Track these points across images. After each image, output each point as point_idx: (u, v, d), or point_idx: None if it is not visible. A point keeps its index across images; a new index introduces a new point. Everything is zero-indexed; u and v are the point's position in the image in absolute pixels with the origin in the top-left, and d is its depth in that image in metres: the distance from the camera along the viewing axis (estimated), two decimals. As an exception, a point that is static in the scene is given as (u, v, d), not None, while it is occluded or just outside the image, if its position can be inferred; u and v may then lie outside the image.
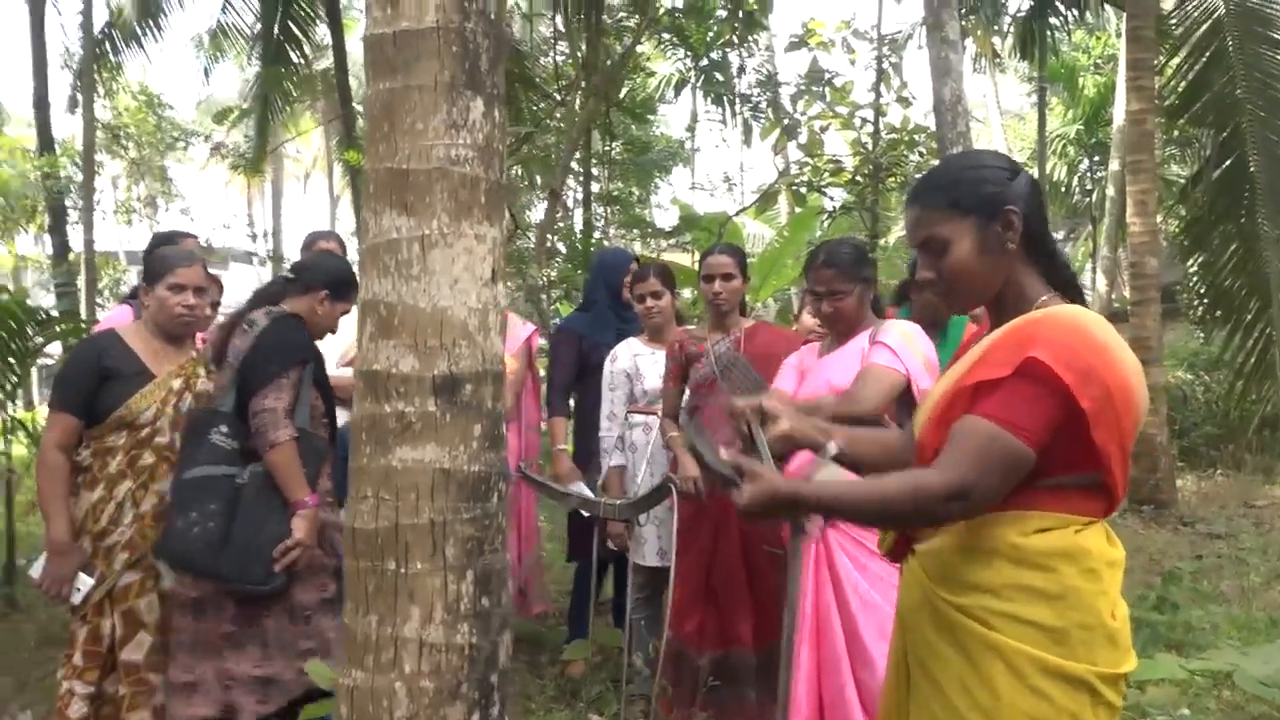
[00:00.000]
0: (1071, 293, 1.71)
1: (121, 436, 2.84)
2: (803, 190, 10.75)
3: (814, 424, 1.98)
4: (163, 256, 3.00)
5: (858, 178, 10.24)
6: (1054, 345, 1.54)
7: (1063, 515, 1.60)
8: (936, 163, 7.67)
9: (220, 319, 4.06)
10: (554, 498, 3.82)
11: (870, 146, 10.10)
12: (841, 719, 2.75)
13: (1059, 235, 20.30)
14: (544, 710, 3.76)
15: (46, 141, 10.87)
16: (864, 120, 10.31)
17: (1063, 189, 17.13)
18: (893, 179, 10.54)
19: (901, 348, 2.78)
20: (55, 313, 6.84)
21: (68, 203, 10.68)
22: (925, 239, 1.70)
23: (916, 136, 9.98)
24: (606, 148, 12.91)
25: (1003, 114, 23.15)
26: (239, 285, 25.41)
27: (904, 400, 2.78)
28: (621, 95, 12.00)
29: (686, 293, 9.30)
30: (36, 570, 2.79)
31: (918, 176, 10.20)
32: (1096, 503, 1.63)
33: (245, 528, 2.71)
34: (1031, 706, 1.55)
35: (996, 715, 1.57)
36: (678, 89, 15.39)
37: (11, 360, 5.03)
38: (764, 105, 12.40)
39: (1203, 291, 9.28)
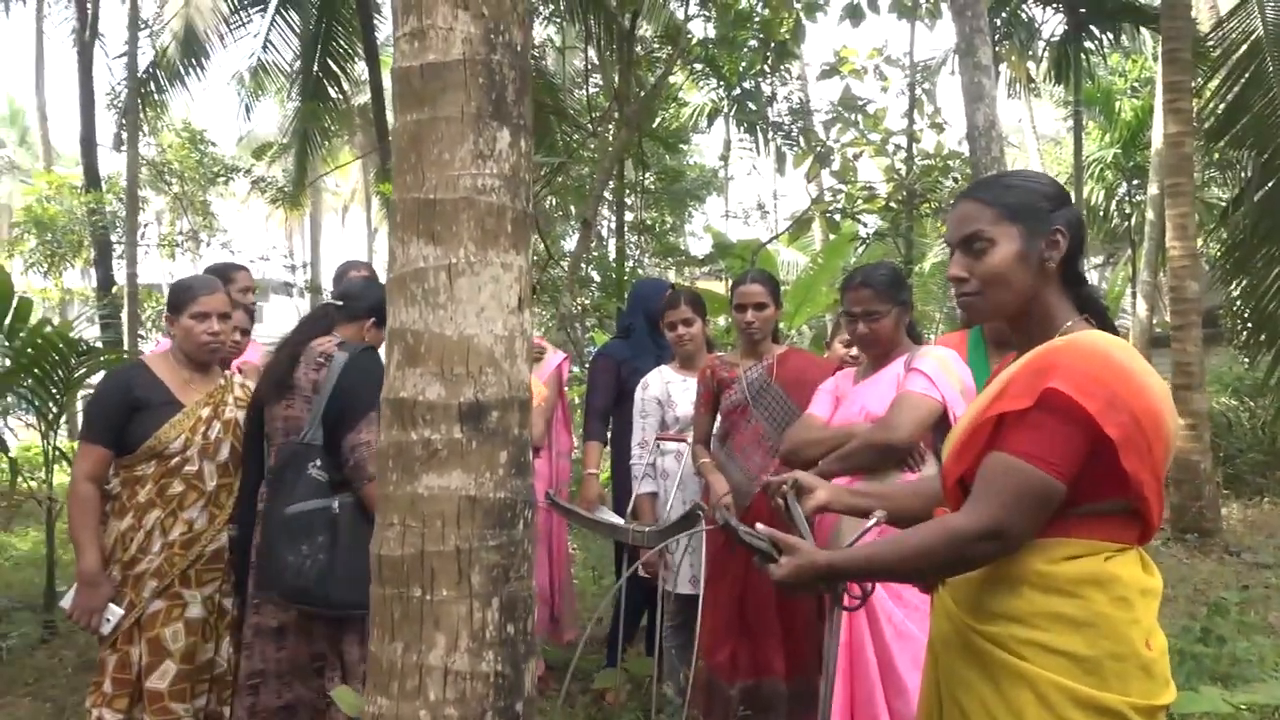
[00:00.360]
0: (1101, 321, 1.69)
1: (151, 466, 2.87)
2: (836, 217, 10.72)
3: (850, 490, 2.00)
4: (186, 286, 3.04)
5: (891, 204, 10.22)
6: (1074, 374, 1.52)
7: (1092, 542, 1.57)
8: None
9: (258, 346, 4.12)
10: (583, 524, 3.81)
11: (904, 173, 10.08)
12: (876, 751, 2.70)
13: (1098, 260, 20.05)
14: (575, 740, 3.74)
15: (93, 178, 11.14)
16: (897, 146, 10.30)
17: (1100, 213, 16.94)
18: (927, 205, 10.51)
19: (938, 374, 2.75)
20: (99, 344, 6.98)
21: (113, 237, 10.91)
22: (970, 235, 1.68)
23: (950, 162, 9.95)
24: (640, 177, 12.99)
25: (1039, 139, 23.00)
26: (278, 316, 25.78)
27: (940, 428, 2.75)
28: (654, 125, 12.07)
29: (720, 320, 9.30)
30: (67, 601, 2.82)
31: (951, 203, 10.16)
32: (1129, 530, 1.60)
33: (347, 557, 2.73)
34: None
35: None
36: (710, 119, 15.47)
37: (54, 391, 5.14)
38: (797, 133, 12.41)
39: (1246, 315, 9.11)
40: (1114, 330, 1.69)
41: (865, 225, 10.75)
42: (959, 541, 1.54)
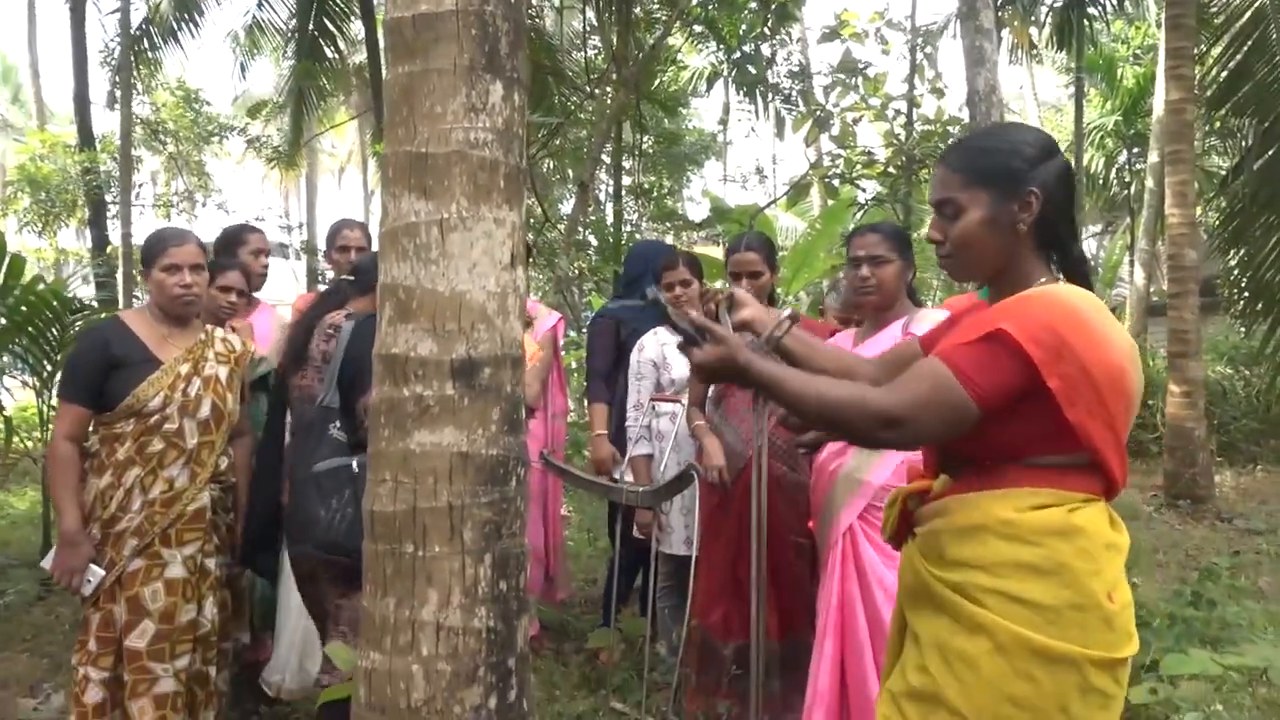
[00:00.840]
0: (1080, 280, 1.70)
1: (130, 424, 2.82)
2: (835, 182, 10.65)
3: (775, 314, 2.07)
4: (157, 238, 2.96)
5: (890, 169, 10.14)
6: (1027, 319, 1.54)
7: (1059, 492, 1.59)
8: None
9: (267, 309, 4.10)
10: (578, 485, 3.82)
11: (903, 138, 10.00)
12: (863, 709, 2.72)
13: (1095, 228, 20.00)
14: (568, 697, 3.77)
15: (87, 137, 11.03)
16: (897, 112, 10.20)
17: (1100, 181, 16.87)
18: (926, 171, 10.42)
19: None
20: (94, 304, 6.95)
21: (107, 197, 10.84)
22: (941, 200, 1.71)
23: (950, 128, 9.87)
24: (638, 140, 12.89)
25: (1040, 106, 22.86)
26: (274, 277, 25.69)
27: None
28: (653, 87, 11.97)
29: (719, 284, 9.27)
30: (49, 561, 2.81)
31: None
32: (1093, 483, 1.62)
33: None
34: (1014, 688, 1.53)
35: (975, 691, 1.56)
36: (709, 82, 15.33)
37: (49, 349, 5.12)
38: (796, 97, 12.31)
39: (1243, 284, 9.10)
40: (1091, 286, 1.70)
41: (864, 191, 10.69)
42: (862, 412, 1.56)
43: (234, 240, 4.02)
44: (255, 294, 4.06)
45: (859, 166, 10.30)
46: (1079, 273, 1.71)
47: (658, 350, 3.92)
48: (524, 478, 2.03)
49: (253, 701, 3.70)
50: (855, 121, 10.29)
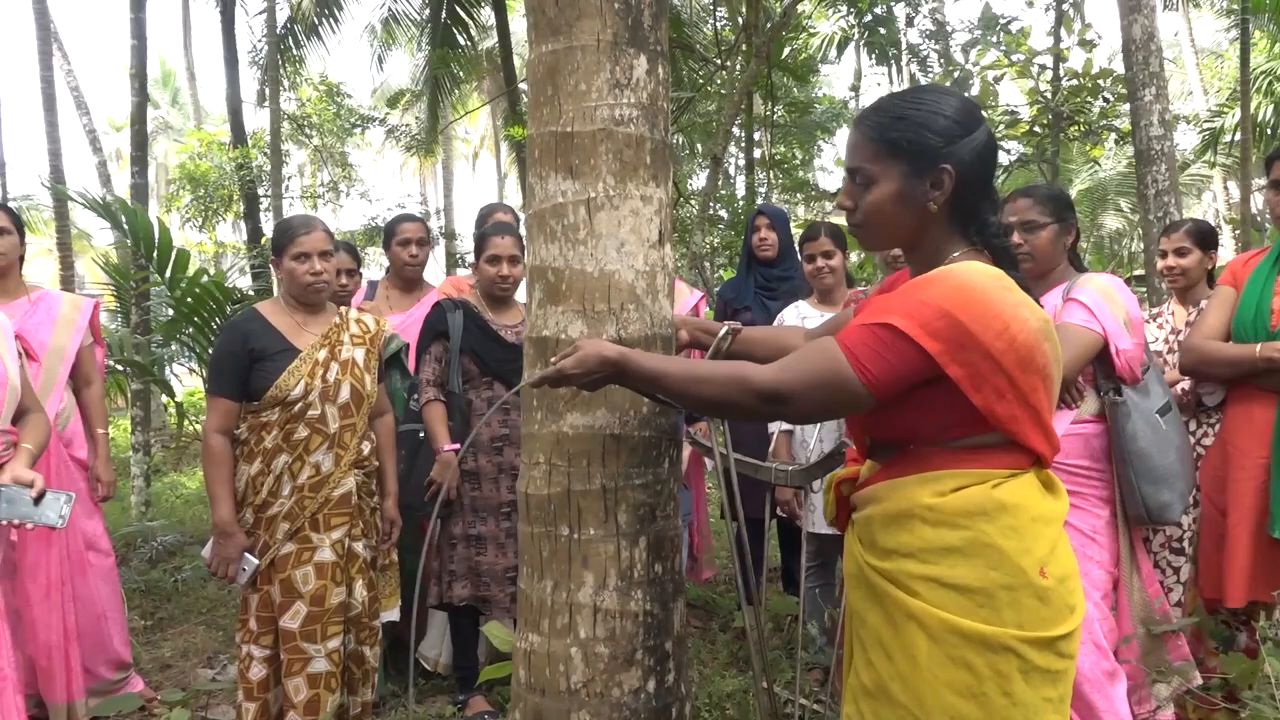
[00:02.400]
0: (999, 257, 1.62)
1: (275, 413, 2.89)
2: (976, 144, 10.23)
3: (706, 324, 2.11)
4: (285, 227, 3.01)
5: (1035, 128, 9.67)
6: (923, 308, 1.49)
7: (980, 471, 1.53)
8: (1126, 107, 7.14)
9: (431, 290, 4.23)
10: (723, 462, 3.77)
11: (1050, 95, 9.51)
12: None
13: (1261, 181, 18.64)
14: (717, 676, 3.74)
15: (239, 135, 11.57)
16: (1042, 67, 9.71)
17: (1270, 131, 15.70)
18: (1075, 128, 9.90)
19: (1098, 304, 2.56)
20: (251, 294, 7.29)
21: (259, 191, 11.35)
22: (852, 168, 1.65)
23: (1101, 81, 9.33)
24: (768, 111, 12.68)
25: (1198, 52, 21.39)
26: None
27: (1102, 361, 2.58)
28: (782, 56, 11.73)
29: (854, 256, 9.04)
30: (207, 551, 2.93)
31: (1102, 125, 9.47)
32: (1018, 457, 1.55)
33: (417, 470, 3.43)
34: (952, 676, 1.48)
35: (915, 683, 1.52)
36: (840, 48, 14.96)
37: (213, 338, 5.39)
38: (933, 57, 11.87)
39: None
40: (1012, 265, 1.62)
41: (1007, 152, 10.23)
42: (745, 388, 1.57)
43: (387, 233, 4.18)
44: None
45: (1001, 127, 9.87)
46: (997, 247, 1.63)
47: (798, 322, 3.83)
48: (677, 459, 2.00)
49: (398, 678, 3.82)
50: (997, 80, 9.84)
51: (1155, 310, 3.82)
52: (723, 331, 2.02)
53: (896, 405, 1.56)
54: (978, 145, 1.59)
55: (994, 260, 1.61)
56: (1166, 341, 3.61)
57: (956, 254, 1.61)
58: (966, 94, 9.07)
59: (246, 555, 2.85)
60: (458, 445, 3.34)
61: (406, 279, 4.15)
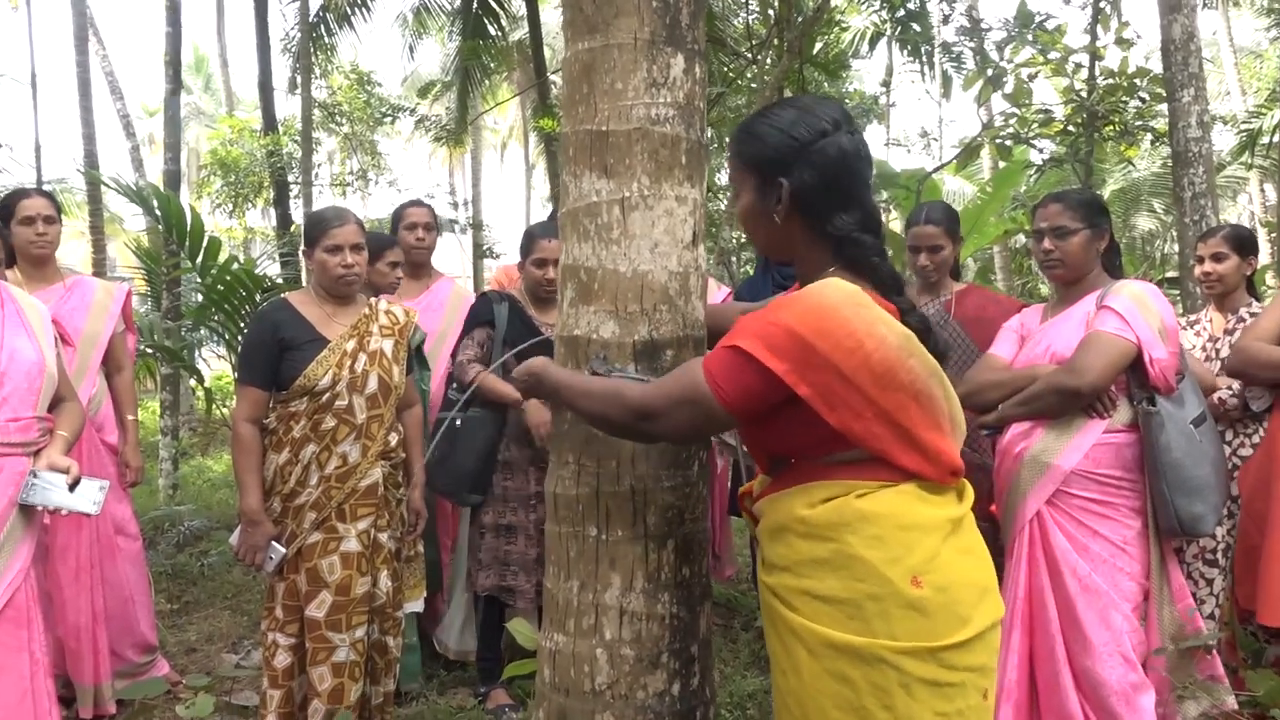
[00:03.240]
0: (861, 270, 1.60)
1: (303, 402, 2.89)
2: (1008, 143, 10.12)
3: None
4: (318, 219, 3.01)
5: (1070, 127, 9.56)
6: (772, 329, 1.50)
7: (847, 482, 1.53)
8: (1162, 107, 7.03)
9: (446, 279, 4.23)
10: (748, 461, 3.76)
11: (1085, 93, 9.39)
12: (1055, 707, 2.58)
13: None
14: (739, 675, 3.74)
15: (270, 121, 11.62)
16: (1078, 65, 9.59)
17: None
18: (1110, 127, 9.78)
19: (1131, 312, 2.53)
20: (280, 280, 7.34)
21: (289, 178, 11.40)
22: (730, 180, 1.69)
23: (1137, 80, 9.20)
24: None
25: (1236, 52, 21.06)
26: (442, 252, 26.57)
27: (1136, 370, 2.54)
28: (815, 52, 11.65)
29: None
30: (234, 539, 2.95)
31: (1137, 125, 9.34)
32: (890, 471, 1.54)
33: (456, 458, 3.47)
34: (833, 690, 1.48)
35: (804, 699, 1.52)
36: (872, 43, 14.84)
37: (242, 324, 5.43)
38: (966, 54, 11.75)
39: None
40: (888, 279, 1.61)
41: (1040, 151, 10.12)
42: (621, 405, 1.65)
43: (395, 219, 4.17)
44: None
45: (1035, 125, 9.76)
46: (859, 260, 1.61)
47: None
48: (706, 462, 1.99)
49: (433, 664, 3.85)
50: (1031, 78, 9.73)
51: (1193, 317, 3.76)
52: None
53: (767, 422, 1.58)
54: (818, 158, 1.59)
55: (871, 280, 1.60)
56: (1204, 349, 3.56)
57: (830, 270, 1.61)
58: (1000, 92, 8.94)
59: (273, 543, 2.87)
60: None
61: (413, 263, 4.13)
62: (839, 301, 1.51)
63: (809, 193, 1.60)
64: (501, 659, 3.56)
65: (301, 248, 3.05)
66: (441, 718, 3.41)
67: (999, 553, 2.94)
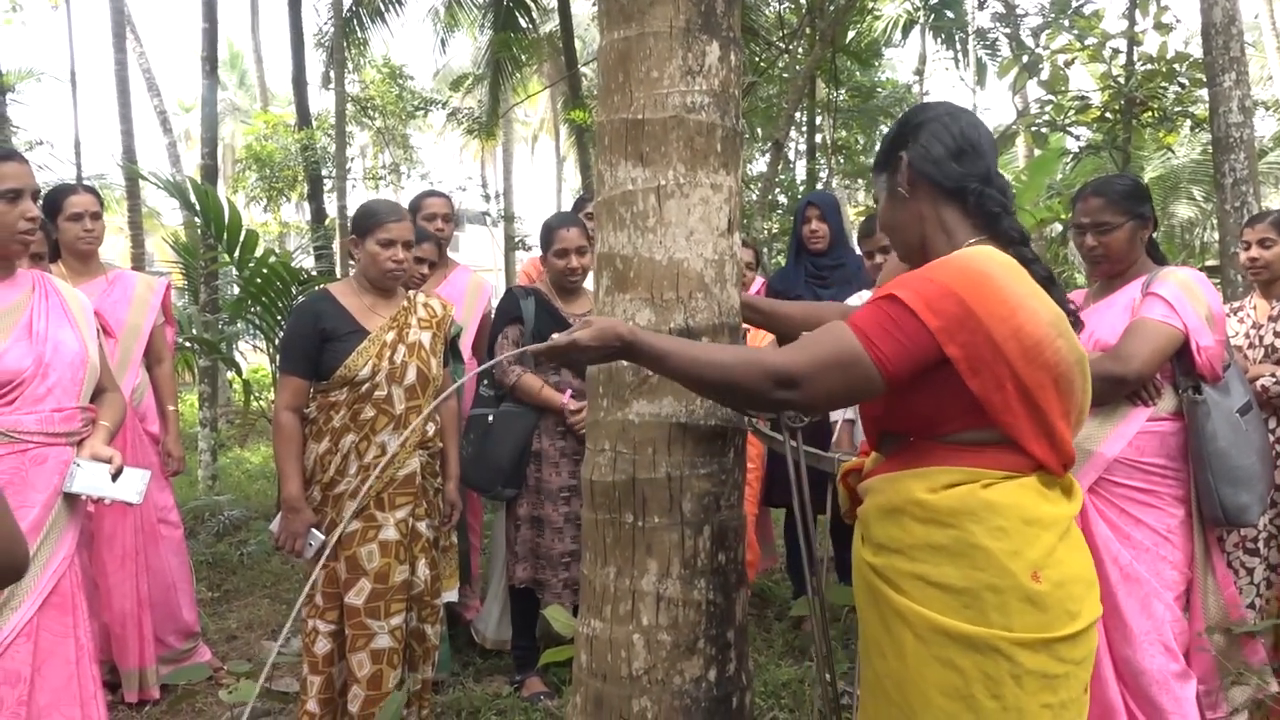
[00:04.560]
0: (1004, 243, 1.59)
1: (343, 392, 2.92)
2: (1044, 130, 9.99)
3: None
4: (372, 211, 3.02)
5: (1107, 114, 9.42)
6: (927, 285, 1.47)
7: (972, 469, 1.50)
8: (1203, 92, 6.91)
9: (464, 269, 4.24)
10: (781, 450, 3.76)
11: (1123, 79, 9.25)
12: (1097, 697, 2.55)
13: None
14: (773, 665, 3.74)
15: (304, 116, 11.73)
16: (1115, 51, 9.44)
17: (1355, 117, 15.12)
18: (1148, 114, 9.63)
19: (1179, 299, 2.49)
20: (315, 274, 7.42)
21: (323, 172, 11.50)
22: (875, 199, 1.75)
23: (1177, 66, 9.05)
24: (831, 96, 12.52)
25: (1279, 35, 20.64)
26: (474, 244, 26.69)
27: (1182, 358, 2.51)
28: (847, 40, 11.58)
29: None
30: (275, 526, 2.99)
31: (1177, 111, 9.20)
32: (1017, 459, 1.51)
33: (490, 452, 3.48)
34: (939, 677, 1.46)
35: (905, 682, 1.51)
36: (905, 30, 14.70)
37: (279, 317, 5.49)
38: (1001, 41, 11.62)
39: None
40: (1013, 231, 1.60)
41: (1077, 138, 9.98)
42: (756, 372, 1.53)
43: (412, 209, 4.17)
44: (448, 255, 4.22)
45: (1071, 112, 9.63)
46: (1001, 234, 1.60)
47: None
48: (741, 449, 1.99)
49: (469, 652, 3.88)
50: (1068, 64, 9.60)
51: (1236, 304, 3.70)
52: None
53: (902, 392, 1.54)
54: (932, 127, 1.64)
55: (993, 234, 1.61)
56: (1247, 336, 3.51)
57: (972, 241, 1.60)
58: (1036, 79, 8.86)
59: (313, 531, 2.91)
60: (570, 392, 3.47)
61: None
62: (992, 269, 1.50)
63: (927, 155, 1.63)
64: (536, 647, 3.59)
65: (350, 236, 3.07)
66: (477, 705, 3.44)
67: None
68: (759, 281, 4.52)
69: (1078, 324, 1.59)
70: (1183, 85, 8.97)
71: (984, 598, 1.46)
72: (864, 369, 1.48)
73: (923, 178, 1.63)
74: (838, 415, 3.77)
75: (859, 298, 3.85)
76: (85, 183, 6.60)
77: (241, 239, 5.40)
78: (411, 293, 3.18)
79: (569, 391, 3.45)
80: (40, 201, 3.58)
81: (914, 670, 1.50)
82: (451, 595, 3.57)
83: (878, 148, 1.73)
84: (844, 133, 14.41)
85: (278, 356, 3.28)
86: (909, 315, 1.47)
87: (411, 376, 2.99)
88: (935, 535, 1.51)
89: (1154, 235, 2.74)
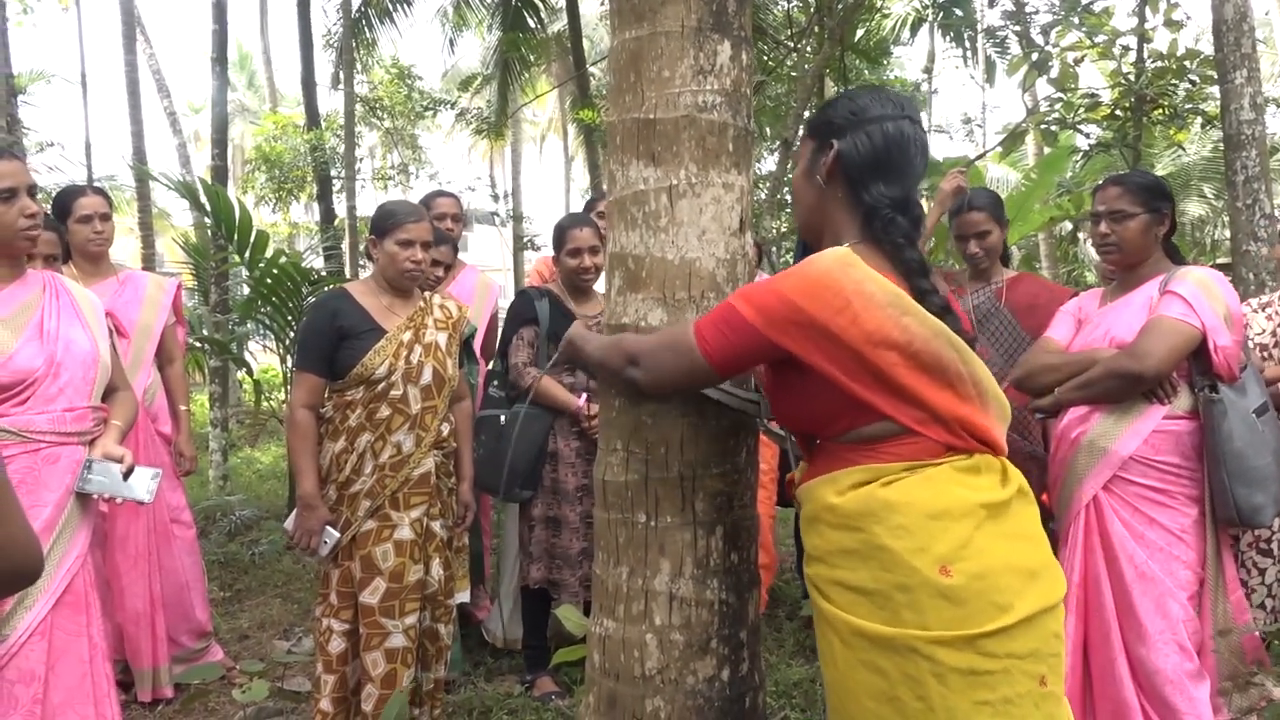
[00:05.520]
0: (889, 251, 1.62)
1: (359, 391, 2.93)
2: (1053, 129, 9.96)
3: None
4: (391, 211, 3.03)
5: (1117, 112, 9.38)
6: (762, 289, 1.55)
7: (873, 467, 1.51)
8: (1213, 89, 6.87)
9: (472, 269, 4.24)
10: (795, 451, 3.76)
11: (1133, 77, 9.21)
12: (1111, 696, 2.55)
13: (1359, 168, 17.87)
14: (783, 664, 3.74)
15: (313, 117, 11.75)
16: (1125, 48, 9.41)
17: (1366, 114, 15.01)
18: (1159, 111, 9.59)
19: (1197, 298, 2.47)
20: (324, 274, 7.43)
21: (332, 173, 11.52)
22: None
23: (1187, 63, 9.01)
24: (841, 94, 12.50)
25: (1290, 32, 20.54)
26: (483, 244, 26.70)
27: (1199, 357, 2.49)
28: (856, 38, 11.55)
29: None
30: (289, 523, 2.99)
31: (1187, 108, 9.15)
32: (919, 448, 1.52)
33: (504, 453, 3.43)
34: (866, 680, 1.47)
35: (840, 689, 1.53)
36: (914, 29, 14.67)
37: (289, 317, 5.51)
38: (1010, 38, 11.59)
39: None
40: (911, 264, 1.60)
41: (1087, 136, 9.94)
42: (617, 350, 1.77)
43: (423, 206, 4.16)
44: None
45: (1081, 110, 9.59)
46: (883, 239, 1.62)
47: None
48: (754, 448, 1.99)
49: (480, 652, 3.89)
50: (1077, 62, 9.56)
51: (1265, 299, 3.66)
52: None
53: (785, 392, 1.65)
54: (875, 130, 1.63)
55: (892, 263, 1.60)
56: (1275, 334, 3.47)
57: (850, 243, 1.63)
58: (1045, 76, 8.81)
59: (328, 528, 2.91)
60: (585, 395, 3.47)
61: None
62: (828, 265, 1.56)
63: (857, 158, 1.64)
64: (547, 647, 3.59)
65: (368, 236, 3.07)
66: (489, 704, 3.45)
67: (1052, 542, 2.91)
68: (763, 278, 4.51)
69: (948, 314, 1.59)
70: (1193, 82, 8.93)
71: (894, 598, 1.46)
72: (690, 353, 1.62)
73: (843, 177, 1.66)
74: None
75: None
76: (94, 184, 6.63)
77: (252, 239, 5.42)
78: (427, 294, 3.19)
79: (584, 395, 3.44)
80: (49, 203, 3.61)
81: (845, 675, 1.52)
82: (463, 596, 3.57)
83: (814, 114, 1.77)
84: (852, 131, 14.36)
85: (294, 353, 3.29)
86: (734, 312, 1.58)
87: (427, 377, 3.00)
88: (845, 540, 1.53)
89: (1172, 235, 2.73)
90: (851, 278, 1.52)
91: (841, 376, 1.52)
